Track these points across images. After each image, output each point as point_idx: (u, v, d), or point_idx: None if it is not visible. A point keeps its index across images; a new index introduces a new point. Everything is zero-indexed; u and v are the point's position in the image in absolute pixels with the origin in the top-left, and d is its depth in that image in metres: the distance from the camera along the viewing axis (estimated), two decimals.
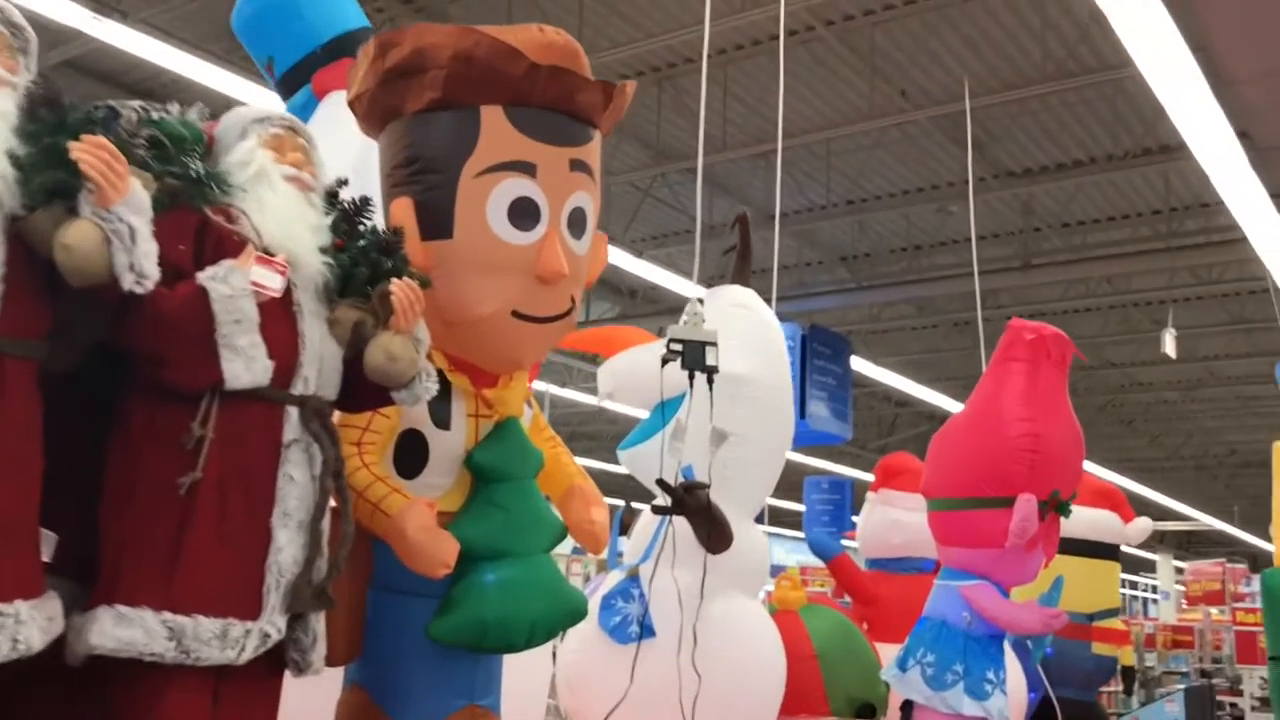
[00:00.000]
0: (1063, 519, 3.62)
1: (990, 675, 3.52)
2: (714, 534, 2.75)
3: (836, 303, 12.77)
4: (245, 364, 1.87)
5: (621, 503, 5.65)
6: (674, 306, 13.07)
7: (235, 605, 1.85)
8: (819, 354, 11.66)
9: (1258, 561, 17.78)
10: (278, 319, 1.95)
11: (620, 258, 10.29)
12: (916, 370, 15.08)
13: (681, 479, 2.64)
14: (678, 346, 2.48)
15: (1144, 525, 5.99)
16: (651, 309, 13.94)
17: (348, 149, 2.57)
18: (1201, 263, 10.95)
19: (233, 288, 1.85)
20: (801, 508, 15.35)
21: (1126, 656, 6.02)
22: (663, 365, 2.46)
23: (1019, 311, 13.81)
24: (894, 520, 4.71)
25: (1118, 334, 14.33)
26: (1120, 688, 7.31)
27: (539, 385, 16.40)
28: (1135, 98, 8.49)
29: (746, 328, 3.07)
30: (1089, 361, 15.85)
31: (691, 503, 2.57)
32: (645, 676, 2.67)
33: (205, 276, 1.86)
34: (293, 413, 1.97)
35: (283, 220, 1.99)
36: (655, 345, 2.98)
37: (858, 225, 11.90)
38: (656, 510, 2.64)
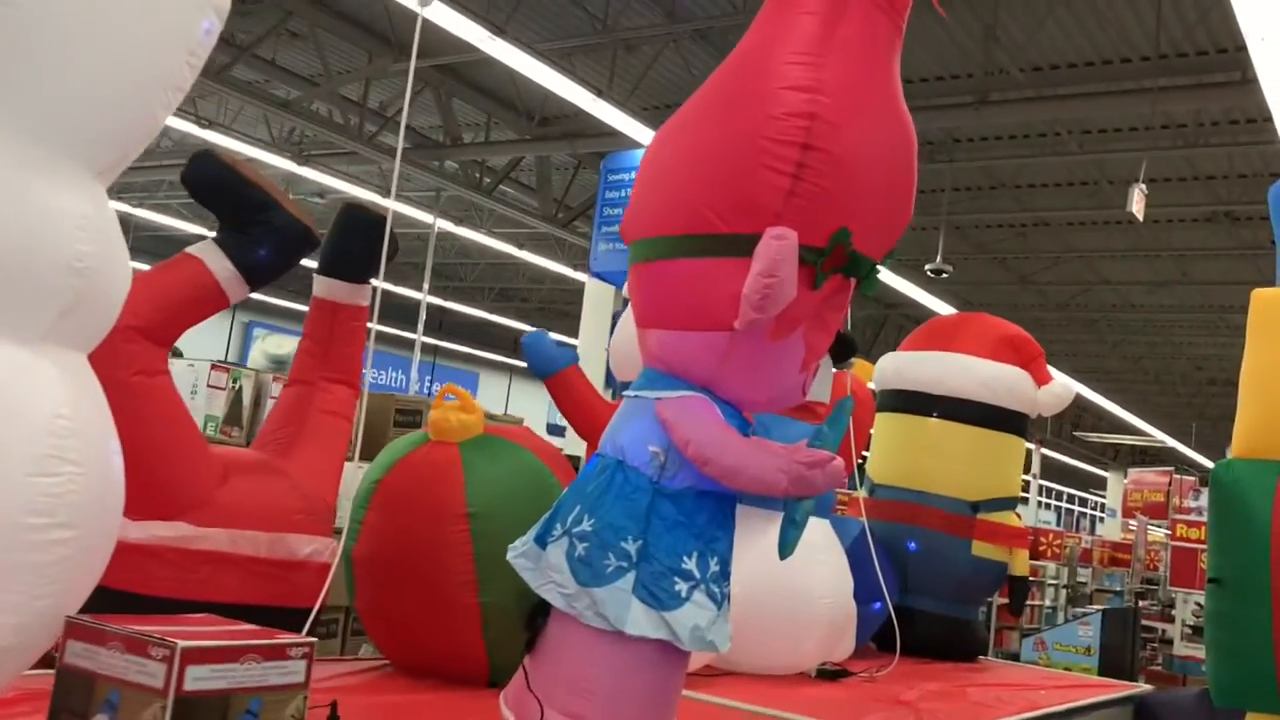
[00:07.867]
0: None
1: (688, 564, 1.88)
2: None
3: None
4: None
5: None
6: (585, 130, 11.25)
7: None
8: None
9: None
10: None
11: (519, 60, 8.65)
12: None
13: None
14: None
15: (1062, 391, 4.37)
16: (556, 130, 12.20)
17: None
18: (1190, 108, 9.21)
19: None
20: None
21: (1019, 563, 4.43)
22: None
23: (971, 176, 12.06)
24: None
25: (1086, 209, 12.63)
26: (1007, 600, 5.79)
27: None
28: None
29: None
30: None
31: None
32: None
33: None
34: None
35: None
36: None
37: None
38: None
